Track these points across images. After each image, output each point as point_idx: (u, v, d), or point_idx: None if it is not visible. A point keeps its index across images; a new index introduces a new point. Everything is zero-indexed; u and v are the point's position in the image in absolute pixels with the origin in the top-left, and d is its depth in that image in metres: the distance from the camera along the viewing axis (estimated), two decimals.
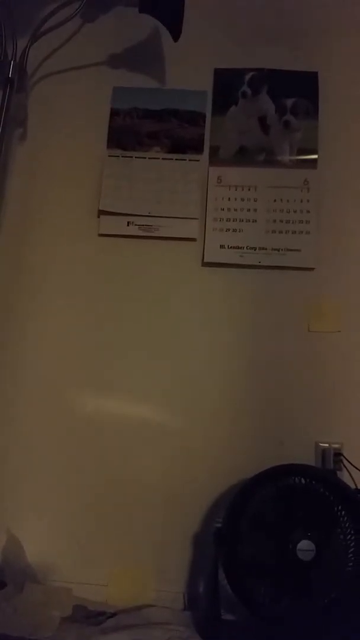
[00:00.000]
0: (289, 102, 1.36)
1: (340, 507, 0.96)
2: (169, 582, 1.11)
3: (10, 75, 1.30)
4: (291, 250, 1.28)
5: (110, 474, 1.19)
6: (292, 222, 1.29)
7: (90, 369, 1.25)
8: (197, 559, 1.12)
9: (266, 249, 1.29)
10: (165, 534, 1.14)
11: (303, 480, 0.99)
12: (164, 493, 1.17)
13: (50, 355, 1.26)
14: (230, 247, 1.30)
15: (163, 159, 1.36)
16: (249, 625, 0.96)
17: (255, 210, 1.31)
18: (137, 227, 1.32)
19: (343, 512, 0.96)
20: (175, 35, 1.32)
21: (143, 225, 1.32)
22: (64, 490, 1.19)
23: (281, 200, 1.31)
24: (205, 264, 1.29)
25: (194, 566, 1.12)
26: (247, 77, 1.39)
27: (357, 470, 1.10)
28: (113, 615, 1.03)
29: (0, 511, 1.16)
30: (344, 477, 1.10)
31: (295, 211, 1.30)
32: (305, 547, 0.92)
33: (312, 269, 1.27)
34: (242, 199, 1.32)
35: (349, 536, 0.95)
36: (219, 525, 1.01)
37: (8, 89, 1.30)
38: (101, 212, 1.33)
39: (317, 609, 0.92)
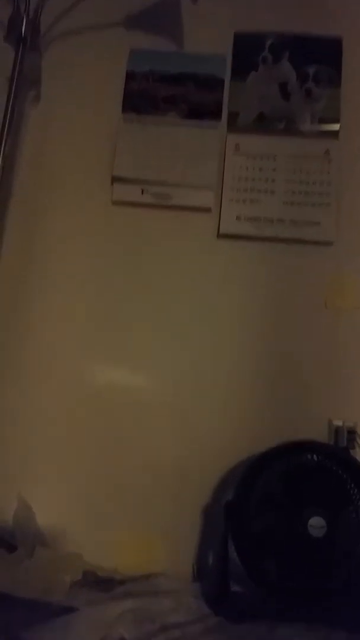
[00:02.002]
0: (311, 69, 1.32)
1: (352, 485, 0.96)
2: (179, 552, 1.12)
3: (23, 33, 1.25)
4: (310, 223, 1.25)
5: (122, 443, 1.19)
6: (312, 194, 1.26)
7: (101, 338, 1.24)
8: (208, 531, 1.13)
9: (284, 221, 1.25)
10: (177, 504, 1.15)
11: (316, 457, 0.98)
12: (176, 464, 1.17)
13: (61, 324, 1.25)
14: (247, 219, 1.26)
15: (179, 124, 1.32)
16: (257, 598, 0.97)
17: (273, 180, 1.28)
18: (152, 195, 1.29)
19: (355, 490, 0.95)
20: None
21: (157, 193, 1.29)
22: (75, 457, 1.19)
23: (301, 171, 1.27)
24: (221, 236, 1.26)
25: (204, 538, 1.13)
26: (268, 42, 1.34)
27: None
28: (122, 582, 1.04)
29: (12, 477, 1.17)
30: (358, 455, 1.09)
31: (315, 183, 1.26)
32: (316, 523, 0.92)
33: (331, 243, 1.24)
34: (261, 169, 1.28)
35: None
36: (229, 498, 1.01)
37: (21, 47, 1.25)
38: (115, 179, 1.30)
39: (326, 585, 0.93)
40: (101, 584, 1.03)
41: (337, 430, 1.13)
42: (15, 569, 1.02)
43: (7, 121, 1.21)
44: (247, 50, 1.35)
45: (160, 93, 1.35)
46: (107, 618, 0.90)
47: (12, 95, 1.23)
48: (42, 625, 0.87)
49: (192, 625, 0.92)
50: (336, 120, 1.29)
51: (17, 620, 0.88)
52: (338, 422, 1.13)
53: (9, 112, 1.22)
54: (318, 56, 1.32)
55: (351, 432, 1.11)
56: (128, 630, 0.88)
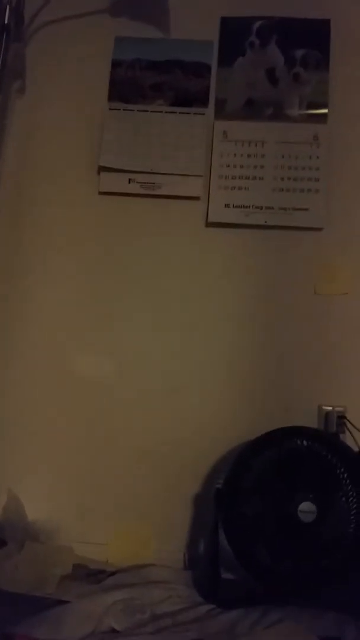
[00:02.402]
0: (299, 53, 1.30)
1: (342, 470, 0.95)
2: (170, 542, 1.12)
3: (6, 22, 1.23)
4: (299, 209, 1.24)
5: (112, 435, 1.19)
6: (301, 180, 1.25)
7: (92, 329, 1.24)
8: (199, 520, 1.13)
9: (273, 208, 1.24)
10: (167, 494, 1.14)
11: (306, 443, 0.98)
12: (166, 454, 1.16)
13: (50, 316, 1.24)
14: (236, 206, 1.25)
15: (166, 112, 1.30)
16: (249, 585, 0.96)
17: (262, 167, 1.26)
18: (139, 184, 1.28)
19: (345, 475, 0.95)
20: None
21: (145, 182, 1.28)
22: (65, 450, 1.19)
23: (289, 156, 1.26)
24: (210, 224, 1.25)
25: (195, 526, 1.13)
26: (255, 26, 1.32)
27: None
28: (113, 573, 1.04)
29: (1, 470, 1.17)
30: (347, 440, 1.08)
31: (304, 168, 1.25)
32: (306, 509, 0.92)
33: (321, 229, 1.23)
34: (249, 155, 1.27)
35: (351, 499, 0.94)
36: (219, 486, 1.00)
37: (4, 37, 1.23)
38: (101, 169, 1.29)
39: (317, 570, 0.92)
40: (92, 576, 1.03)
41: (327, 416, 1.12)
42: (4, 564, 1.01)
43: None
44: (234, 35, 1.33)
45: (147, 81, 1.33)
46: (97, 610, 0.90)
47: None
48: (33, 619, 0.86)
49: (183, 614, 0.91)
50: (324, 105, 1.28)
51: (8, 615, 0.87)
52: (328, 408, 1.13)
53: None
54: (306, 39, 1.31)
55: (341, 418, 1.11)
56: (118, 621, 0.87)
